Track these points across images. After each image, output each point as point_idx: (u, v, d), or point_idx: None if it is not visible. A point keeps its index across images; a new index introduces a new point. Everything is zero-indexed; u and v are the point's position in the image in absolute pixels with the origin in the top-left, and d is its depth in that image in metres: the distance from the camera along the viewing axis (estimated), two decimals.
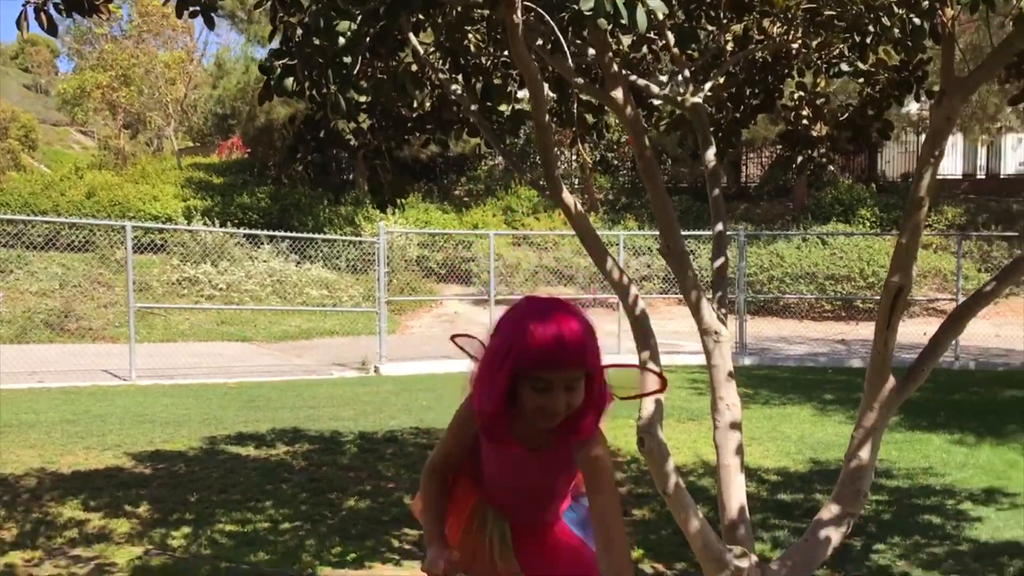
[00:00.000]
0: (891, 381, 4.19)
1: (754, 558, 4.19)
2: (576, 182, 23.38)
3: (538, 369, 1.96)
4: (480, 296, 16.16)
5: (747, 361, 13.52)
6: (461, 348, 2.19)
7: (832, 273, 18.35)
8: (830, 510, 4.21)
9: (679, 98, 4.59)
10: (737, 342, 14.12)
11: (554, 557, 2.34)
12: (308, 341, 15.64)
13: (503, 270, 17.61)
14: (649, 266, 19.41)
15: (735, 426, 4.38)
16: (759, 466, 7.27)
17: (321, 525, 5.61)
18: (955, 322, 4.16)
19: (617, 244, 14.62)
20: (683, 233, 4.64)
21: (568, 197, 4.02)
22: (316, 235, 17.08)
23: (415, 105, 5.08)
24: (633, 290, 4.29)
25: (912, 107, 19.30)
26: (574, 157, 23.38)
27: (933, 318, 17.87)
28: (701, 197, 21.69)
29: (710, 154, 4.63)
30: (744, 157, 24.34)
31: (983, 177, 24.62)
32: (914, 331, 17.48)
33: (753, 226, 19.34)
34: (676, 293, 18.82)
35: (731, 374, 4.42)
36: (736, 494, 4.31)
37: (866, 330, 17.68)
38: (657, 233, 4.64)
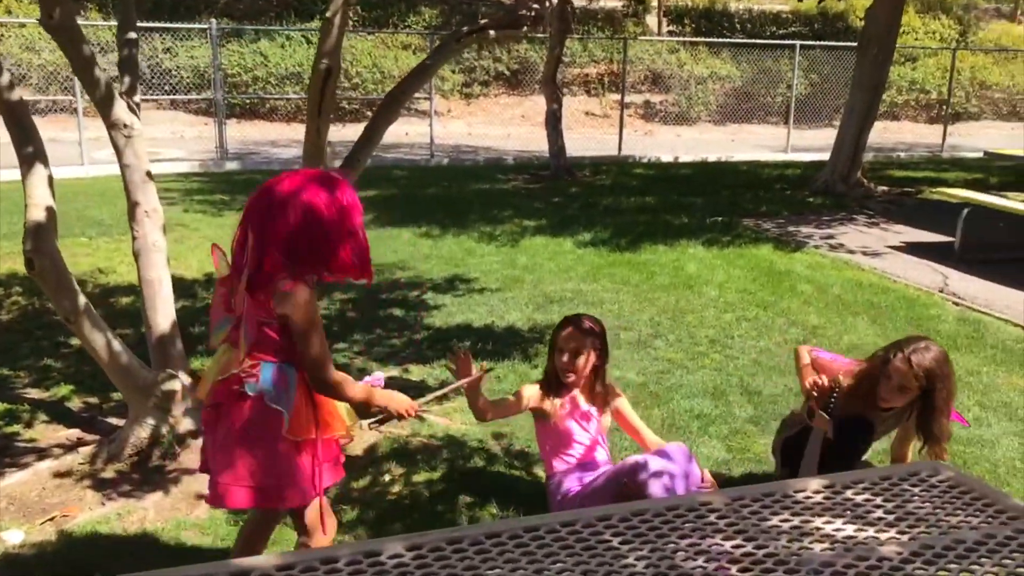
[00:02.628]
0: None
1: (186, 379, 3.75)
2: None
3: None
4: None
5: (230, 166, 12.78)
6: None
7: None
8: None
9: None
10: (218, 147, 13.26)
11: None
12: None
13: None
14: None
15: (159, 234, 3.79)
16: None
17: None
18: (388, 107, 3.93)
19: None
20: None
21: None
22: None
23: None
24: (5, 78, 3.35)
25: None
26: None
27: (414, 118, 18.57)
28: None
29: None
30: None
31: None
32: (397, 131, 18.08)
33: (234, 21, 18.06)
34: (156, 95, 17.11)
35: (149, 175, 3.78)
36: (164, 309, 3.79)
37: (351, 131, 17.85)
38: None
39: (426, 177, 12.25)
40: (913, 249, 8.09)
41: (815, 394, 3.38)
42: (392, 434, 4.06)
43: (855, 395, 3.32)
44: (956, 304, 6.38)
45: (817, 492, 1.83)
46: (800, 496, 1.80)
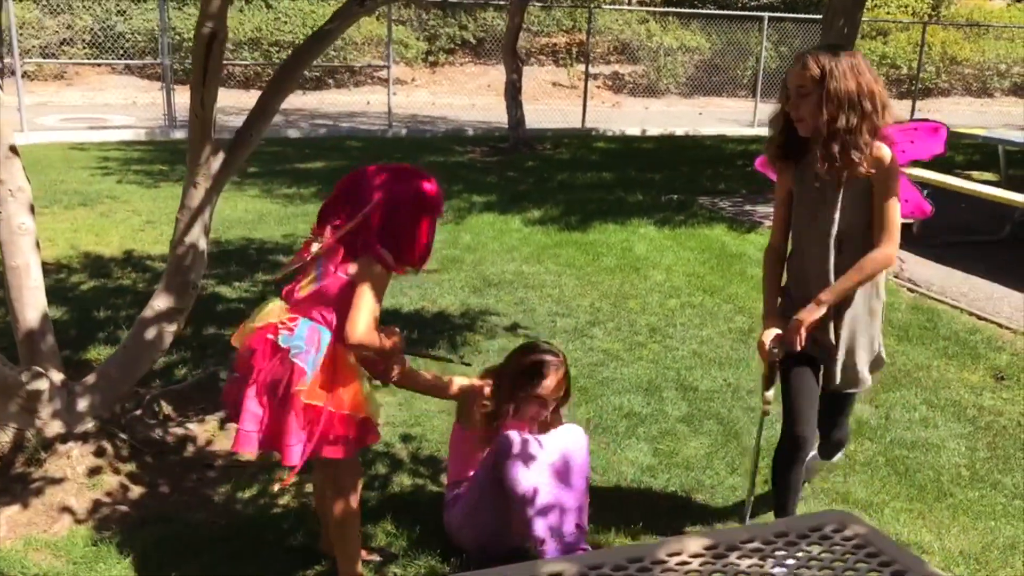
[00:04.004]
0: (219, 152, 3.51)
1: (57, 376, 3.40)
2: None
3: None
4: None
5: (177, 135, 12.30)
6: None
7: (278, 39, 17.47)
8: (154, 307, 3.52)
9: None
10: (165, 114, 12.77)
11: None
12: None
13: None
14: (71, 27, 16.70)
15: (26, 215, 3.42)
16: (147, 253, 6.42)
17: None
18: (282, 77, 3.56)
19: None
20: None
21: None
22: None
23: None
24: None
25: None
26: None
27: (377, 86, 18.07)
28: None
29: None
30: None
31: None
32: (358, 100, 17.61)
33: None
34: (108, 59, 16.50)
35: (14, 150, 3.39)
36: (33, 300, 3.42)
37: (311, 99, 17.33)
38: None
39: (381, 148, 11.84)
40: None
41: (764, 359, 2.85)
42: None
43: (776, 143, 2.81)
44: (911, 291, 6.12)
45: (695, 556, 1.52)
46: (673, 562, 1.50)
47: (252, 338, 2.53)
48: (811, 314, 2.73)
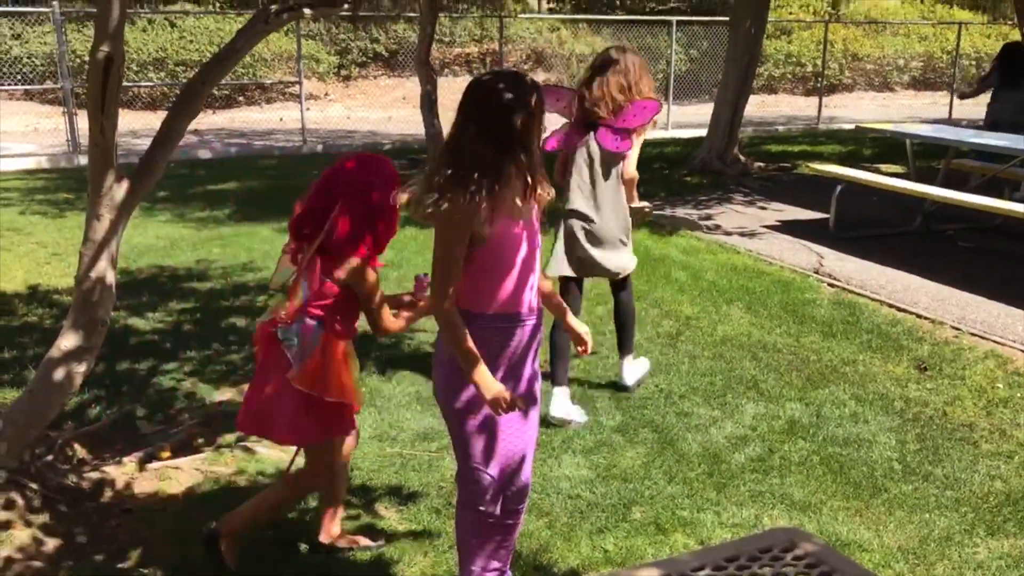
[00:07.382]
0: (123, 180, 3.36)
1: None
2: None
3: None
4: None
5: (83, 161, 11.86)
6: None
7: (184, 59, 17.04)
8: (61, 347, 3.33)
9: None
10: (68, 140, 12.31)
11: None
12: None
13: None
14: None
15: None
16: (53, 287, 6.12)
17: None
18: (187, 99, 3.40)
19: None
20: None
21: None
22: None
23: None
24: None
25: None
26: None
27: (290, 102, 17.76)
28: None
29: None
30: None
31: None
32: (271, 117, 17.28)
33: (85, 3, 16.88)
34: (5, 84, 15.87)
35: None
36: None
37: (221, 118, 16.94)
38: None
39: (297, 166, 11.61)
40: (789, 228, 7.95)
41: None
42: (214, 473, 3.57)
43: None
44: (831, 286, 6.21)
45: None
46: None
47: (258, 332, 2.88)
48: None
